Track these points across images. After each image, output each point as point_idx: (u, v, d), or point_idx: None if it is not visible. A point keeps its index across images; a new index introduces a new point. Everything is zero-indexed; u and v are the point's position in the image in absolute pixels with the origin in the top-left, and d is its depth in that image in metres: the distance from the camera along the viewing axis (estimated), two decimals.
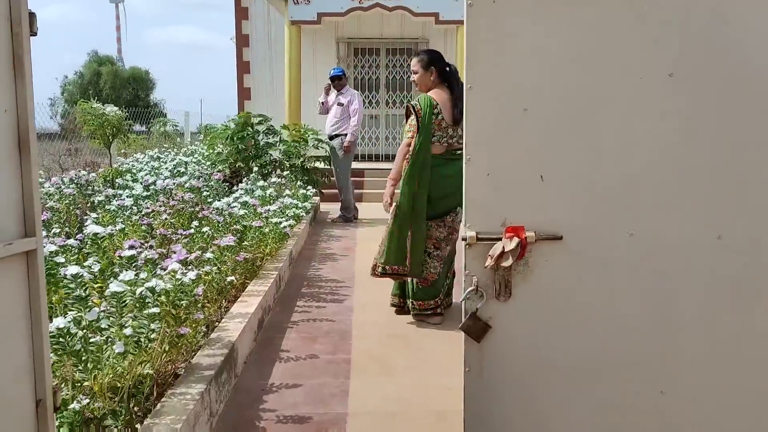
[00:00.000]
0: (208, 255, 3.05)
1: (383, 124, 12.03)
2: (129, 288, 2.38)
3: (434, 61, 3.61)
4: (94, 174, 7.17)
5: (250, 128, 7.41)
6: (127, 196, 5.09)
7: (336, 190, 7.73)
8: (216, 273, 3.03)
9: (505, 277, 1.63)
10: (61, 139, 11.77)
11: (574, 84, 1.59)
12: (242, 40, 12.22)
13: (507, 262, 1.59)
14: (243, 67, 12.24)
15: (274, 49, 11.91)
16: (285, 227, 4.26)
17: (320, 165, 7.99)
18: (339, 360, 3.08)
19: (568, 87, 1.59)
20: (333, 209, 8.22)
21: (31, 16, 1.39)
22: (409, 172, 3.47)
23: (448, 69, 3.61)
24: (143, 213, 4.52)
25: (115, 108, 6.75)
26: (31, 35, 1.40)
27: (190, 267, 2.85)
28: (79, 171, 8.01)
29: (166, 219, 4.27)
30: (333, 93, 7.64)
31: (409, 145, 3.48)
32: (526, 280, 1.62)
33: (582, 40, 1.58)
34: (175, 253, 3.02)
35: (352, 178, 7.74)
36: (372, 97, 11.99)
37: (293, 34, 9.92)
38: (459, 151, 3.44)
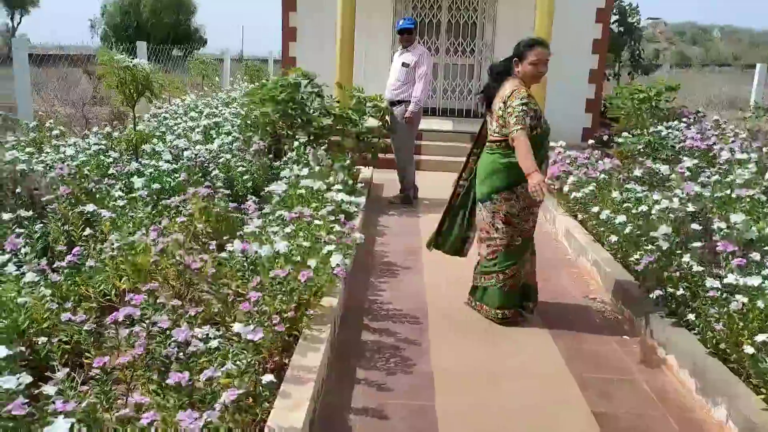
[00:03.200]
0: (215, 343, 2.05)
1: (442, 74, 10.67)
2: None
3: None
4: (117, 134, 6.22)
5: (299, 87, 6.25)
6: (143, 186, 4.10)
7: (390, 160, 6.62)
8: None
9: None
10: (94, 78, 10.78)
11: None
12: None
13: None
14: (289, 4, 10.91)
15: None
16: (336, 267, 3.06)
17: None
18: None
19: None
20: (388, 181, 7.15)
21: None
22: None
23: None
24: (156, 220, 3.55)
25: (144, 60, 5.67)
26: None
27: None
28: (104, 126, 7.08)
29: (185, 239, 3.27)
30: (398, 49, 6.40)
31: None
32: None
33: None
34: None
35: None
36: (431, 43, 10.60)
37: None
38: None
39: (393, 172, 6.63)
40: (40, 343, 2.35)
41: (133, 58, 5.66)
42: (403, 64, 6.17)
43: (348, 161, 5.74)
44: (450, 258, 3.94)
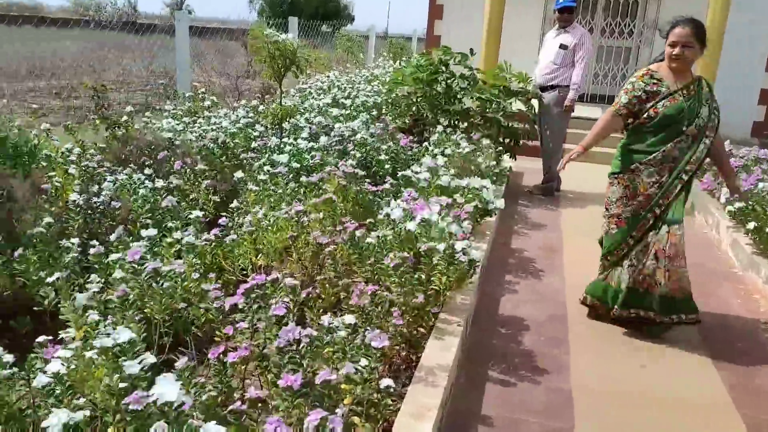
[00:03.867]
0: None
1: (595, 57, 9.90)
2: None
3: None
4: (263, 107, 6.41)
5: (444, 67, 6.03)
6: (285, 162, 4.13)
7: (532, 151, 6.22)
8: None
9: None
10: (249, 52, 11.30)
11: None
12: None
13: None
14: None
15: None
16: (476, 260, 2.84)
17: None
18: None
19: None
20: (527, 169, 6.78)
21: None
22: None
23: None
24: (297, 198, 3.53)
25: (293, 35, 5.75)
26: None
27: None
28: (253, 99, 7.36)
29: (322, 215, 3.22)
30: (553, 29, 5.95)
31: None
32: None
33: None
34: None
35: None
36: (585, 23, 9.87)
37: None
38: None
39: (532, 159, 6.24)
40: (180, 308, 2.40)
41: (283, 33, 5.76)
42: (561, 46, 5.71)
43: (493, 147, 5.46)
44: (593, 258, 3.58)
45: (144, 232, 2.79)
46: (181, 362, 1.61)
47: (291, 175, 4.17)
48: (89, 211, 3.07)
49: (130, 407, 1.23)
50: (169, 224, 3.08)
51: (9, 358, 1.68)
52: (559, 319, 3.40)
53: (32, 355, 1.75)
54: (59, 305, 2.28)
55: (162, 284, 2.35)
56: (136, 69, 11.52)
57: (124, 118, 4.29)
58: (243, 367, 1.86)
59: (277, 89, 7.43)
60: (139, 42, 11.48)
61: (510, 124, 6.01)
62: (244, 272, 3.04)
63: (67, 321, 1.93)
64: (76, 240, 2.74)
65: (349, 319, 1.87)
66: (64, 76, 10.61)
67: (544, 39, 6.08)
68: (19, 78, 10.27)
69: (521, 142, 6.22)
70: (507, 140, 6.06)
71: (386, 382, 1.77)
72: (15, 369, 1.70)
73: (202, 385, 1.60)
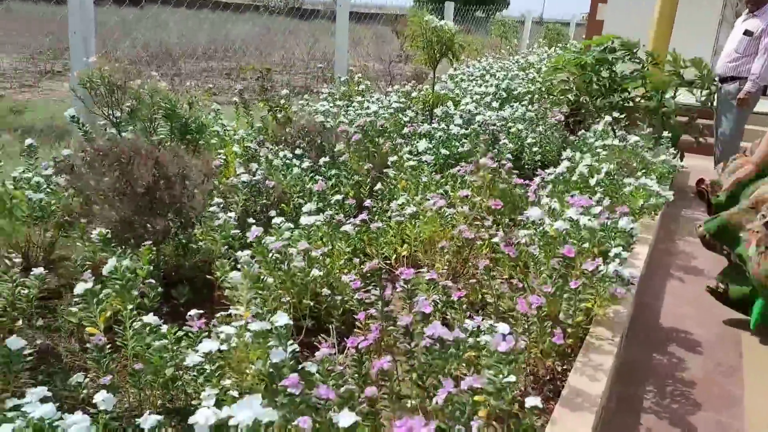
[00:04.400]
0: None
1: None
2: None
3: None
4: (415, 93, 6.37)
5: (611, 54, 5.59)
6: (427, 149, 4.05)
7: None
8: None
9: None
10: (402, 37, 11.39)
11: None
12: None
13: None
14: None
15: None
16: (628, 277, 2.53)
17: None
18: None
19: None
20: (693, 168, 6.11)
21: None
22: None
23: None
24: (442, 189, 3.43)
25: (449, 22, 5.63)
26: None
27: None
28: (405, 84, 7.36)
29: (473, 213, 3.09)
30: (743, 13, 5.26)
31: None
32: None
33: None
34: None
35: None
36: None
37: None
38: None
39: (701, 157, 5.59)
40: (323, 294, 2.42)
41: (440, 19, 5.66)
42: (746, 32, 5.04)
43: (662, 142, 4.97)
44: None
45: (305, 208, 2.85)
46: (322, 352, 1.59)
47: (438, 163, 4.09)
48: (247, 189, 3.21)
49: (288, 390, 1.22)
50: (311, 206, 3.14)
51: (164, 329, 1.78)
52: (730, 341, 2.99)
53: (183, 329, 1.84)
54: (220, 279, 2.40)
55: (306, 269, 2.38)
56: (298, 52, 12.07)
57: (282, 101, 4.46)
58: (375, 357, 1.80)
59: (428, 74, 7.38)
60: (303, 27, 12.02)
61: (676, 118, 5.44)
62: (388, 260, 3.01)
63: (233, 296, 2.01)
64: (232, 214, 2.88)
65: (503, 328, 1.73)
66: (234, 57, 11.40)
67: (735, 24, 5.40)
68: (195, 59, 11.22)
69: (693, 138, 5.61)
70: (671, 135, 5.49)
71: (532, 401, 1.62)
72: (168, 340, 1.79)
73: (341, 375, 1.57)
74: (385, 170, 3.78)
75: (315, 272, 2.41)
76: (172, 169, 2.52)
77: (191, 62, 10.95)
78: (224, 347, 1.46)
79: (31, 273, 2.29)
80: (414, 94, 6.25)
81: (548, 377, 2.35)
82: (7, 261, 2.31)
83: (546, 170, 3.96)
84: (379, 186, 3.48)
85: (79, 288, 1.91)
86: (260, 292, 2.03)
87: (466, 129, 4.85)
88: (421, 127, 4.81)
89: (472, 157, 4.29)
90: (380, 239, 2.96)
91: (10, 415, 1.40)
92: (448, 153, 4.36)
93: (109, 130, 3.68)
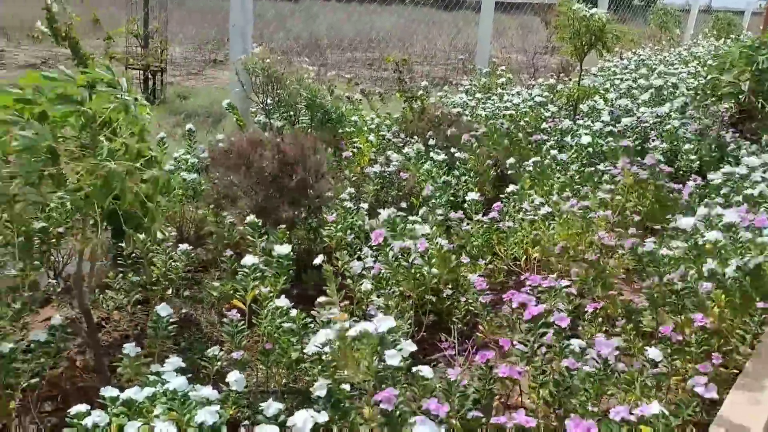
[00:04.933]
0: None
1: None
2: None
3: None
4: (560, 86, 6.09)
5: None
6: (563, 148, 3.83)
7: None
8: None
9: None
10: (550, 27, 10.95)
11: None
12: None
13: None
14: None
15: None
16: None
17: None
18: None
19: None
20: None
21: None
22: None
23: None
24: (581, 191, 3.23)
25: (603, 10, 5.30)
26: None
27: None
28: (546, 77, 7.07)
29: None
30: None
31: None
32: None
33: None
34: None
35: None
36: None
37: None
38: None
39: None
40: (444, 296, 2.39)
41: (591, 7, 5.35)
42: None
43: None
44: None
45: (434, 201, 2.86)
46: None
47: (580, 162, 3.87)
48: (379, 179, 3.26)
49: (381, 406, 1.22)
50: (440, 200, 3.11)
51: (293, 313, 1.85)
52: None
53: (310, 315, 1.90)
54: (341, 268, 2.46)
55: (427, 264, 2.36)
56: (440, 43, 12.07)
57: (420, 92, 4.46)
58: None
59: (574, 67, 7.02)
60: (446, 17, 11.99)
61: None
62: (517, 261, 2.91)
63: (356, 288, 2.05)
64: (365, 205, 2.93)
65: (654, 353, 1.60)
66: (378, 48, 11.65)
67: None
68: (341, 49, 11.62)
69: None
70: None
71: None
72: (296, 324, 1.86)
73: (463, 390, 1.52)
74: (523, 165, 3.65)
75: (434, 271, 2.38)
76: (297, 158, 2.66)
77: (337, 52, 11.36)
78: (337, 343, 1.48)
79: (180, 248, 2.50)
80: (558, 88, 5.98)
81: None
82: (161, 234, 2.53)
83: (703, 176, 3.60)
84: (511, 188, 3.37)
85: (247, 260, 2.05)
86: (380, 287, 2.04)
87: (614, 126, 4.54)
88: (563, 123, 4.58)
89: (616, 157, 4.01)
90: (510, 239, 2.87)
91: (151, 379, 1.53)
92: (591, 151, 4.12)
93: (259, 116, 3.91)
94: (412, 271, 2.26)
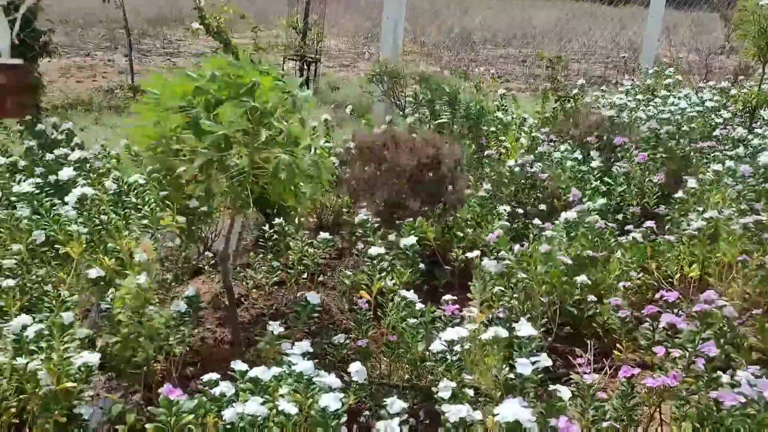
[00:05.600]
0: None
1: None
2: None
3: None
4: (736, 91, 5.46)
5: None
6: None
7: None
8: None
9: None
10: (729, 25, 9.87)
11: None
12: None
13: None
14: None
15: None
16: None
17: None
18: None
19: None
20: None
21: None
22: None
23: None
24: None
25: None
26: None
27: None
28: (721, 80, 6.38)
29: None
30: None
31: None
32: None
33: None
34: None
35: None
36: None
37: None
38: None
39: None
40: (585, 306, 2.23)
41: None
42: None
43: None
44: None
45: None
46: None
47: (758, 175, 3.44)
48: (522, 181, 3.13)
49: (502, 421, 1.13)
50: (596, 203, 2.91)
51: (418, 306, 1.83)
52: None
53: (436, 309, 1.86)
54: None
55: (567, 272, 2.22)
56: (601, 40, 11.40)
57: (575, 91, 4.22)
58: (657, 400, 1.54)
59: (755, 70, 6.27)
60: (609, 12, 11.29)
61: None
62: (670, 280, 2.64)
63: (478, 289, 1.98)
64: (506, 207, 2.84)
65: None
66: (533, 44, 11.28)
67: None
68: (494, 44, 11.40)
69: None
70: None
71: None
72: (424, 319, 1.82)
73: (602, 409, 1.39)
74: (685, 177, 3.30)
75: (582, 278, 2.23)
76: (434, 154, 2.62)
77: (490, 47, 11.15)
78: (467, 344, 1.42)
79: (321, 235, 2.56)
80: (732, 92, 5.37)
81: None
82: (299, 221, 2.63)
83: None
84: (680, 193, 3.05)
85: (373, 251, 2.10)
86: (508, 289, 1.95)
87: None
88: (736, 131, 4.10)
89: None
90: (667, 254, 2.61)
91: (283, 359, 1.58)
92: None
93: (396, 113, 3.97)
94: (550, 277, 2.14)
